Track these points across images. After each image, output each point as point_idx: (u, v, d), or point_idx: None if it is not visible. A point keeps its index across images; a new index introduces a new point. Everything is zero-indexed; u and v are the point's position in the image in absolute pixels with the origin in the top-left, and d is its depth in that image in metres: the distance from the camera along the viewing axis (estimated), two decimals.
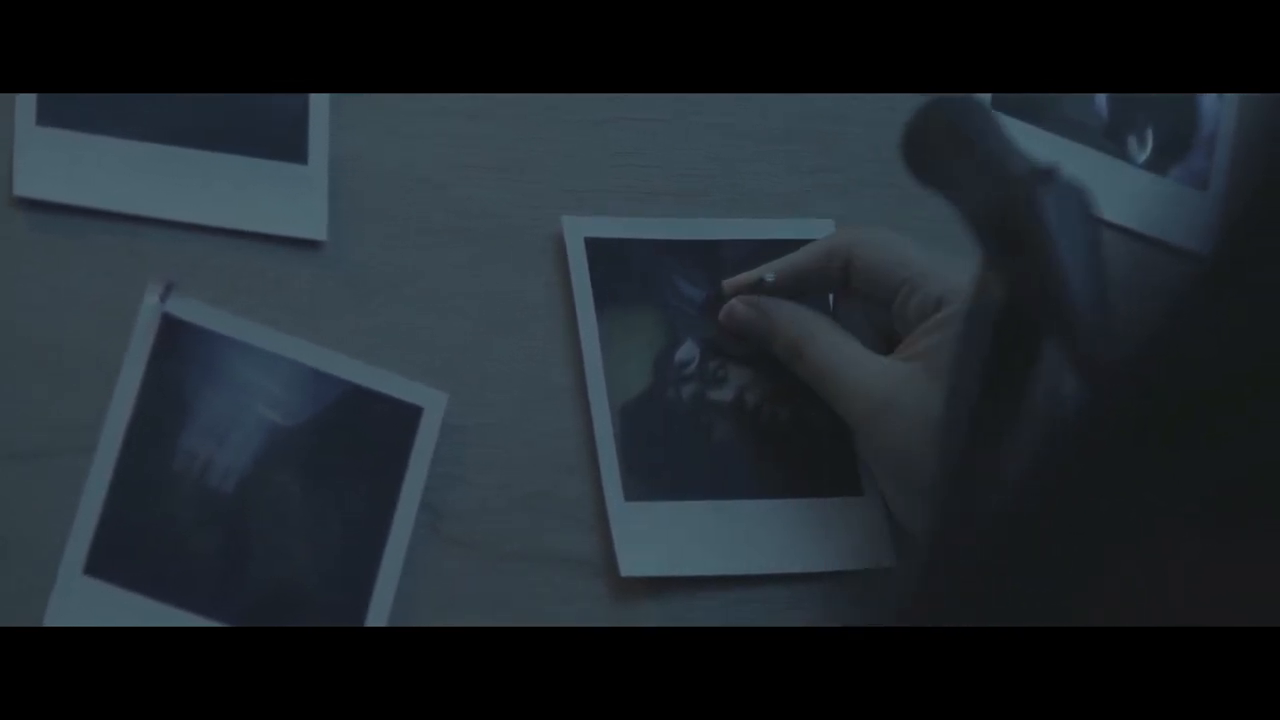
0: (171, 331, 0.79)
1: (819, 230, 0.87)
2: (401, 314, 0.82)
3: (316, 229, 0.82)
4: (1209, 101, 0.96)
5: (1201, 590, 0.33)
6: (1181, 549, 0.33)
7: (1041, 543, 0.36)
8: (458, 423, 0.81)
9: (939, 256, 0.82)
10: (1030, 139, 0.93)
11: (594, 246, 0.85)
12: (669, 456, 0.83)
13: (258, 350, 0.80)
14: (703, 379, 0.85)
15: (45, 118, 0.81)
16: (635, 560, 0.81)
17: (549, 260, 0.85)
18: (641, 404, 0.84)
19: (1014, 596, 0.36)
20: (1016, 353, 0.59)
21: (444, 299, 0.83)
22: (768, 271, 0.84)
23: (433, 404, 0.80)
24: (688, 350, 0.85)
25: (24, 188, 0.80)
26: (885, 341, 0.83)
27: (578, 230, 0.85)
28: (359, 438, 0.80)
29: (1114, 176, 0.94)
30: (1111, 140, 0.94)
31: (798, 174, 0.89)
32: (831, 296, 0.86)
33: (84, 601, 0.75)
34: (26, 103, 0.80)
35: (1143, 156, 0.95)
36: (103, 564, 0.76)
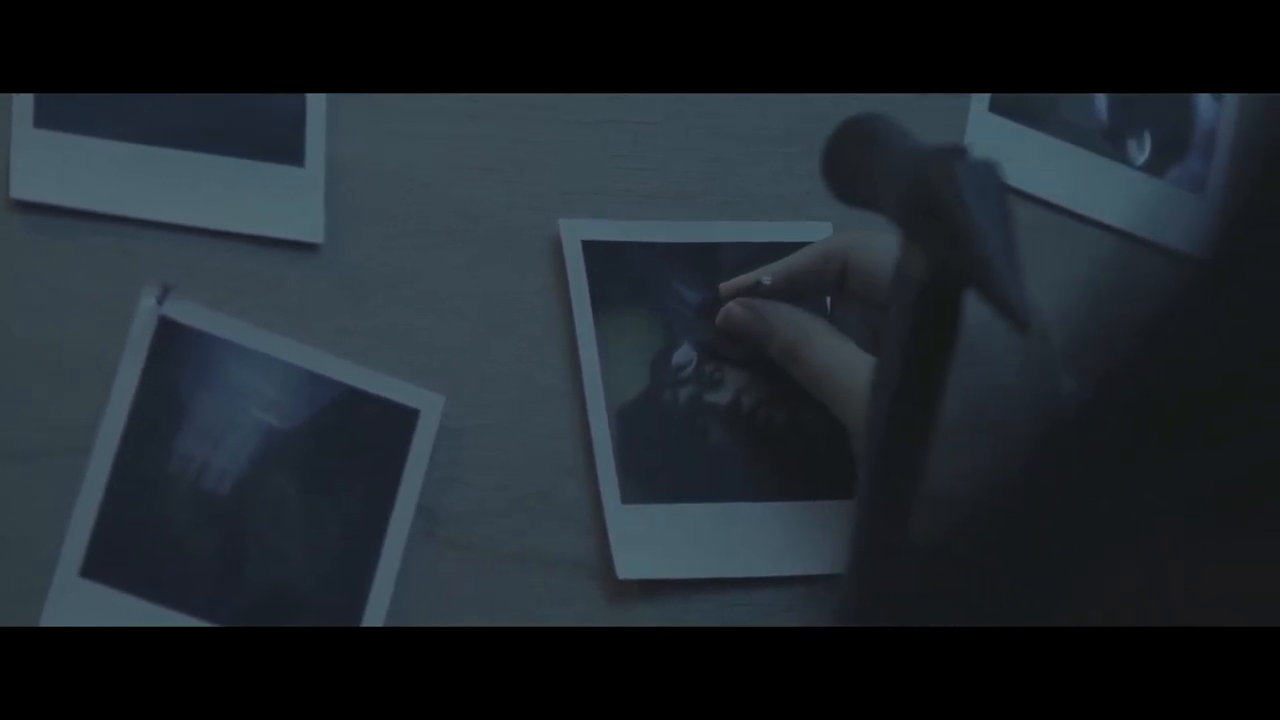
0: (168, 334, 0.79)
1: (816, 233, 0.87)
2: (398, 316, 0.82)
3: (313, 231, 0.82)
4: (1206, 103, 0.96)
5: (1201, 590, 0.33)
6: (1181, 549, 0.33)
7: (1040, 542, 0.36)
8: (454, 425, 0.81)
9: None
10: (1029, 142, 0.93)
11: (591, 249, 0.85)
12: (666, 459, 0.83)
13: (254, 353, 0.79)
14: (700, 382, 0.85)
15: (43, 120, 0.81)
16: (632, 562, 0.81)
17: (546, 262, 0.85)
18: (638, 406, 0.84)
19: (1012, 596, 0.36)
20: (938, 330, 0.63)
21: (441, 301, 0.83)
22: (764, 274, 0.84)
23: (429, 406, 0.80)
24: (685, 353, 0.85)
25: (21, 190, 0.80)
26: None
27: (575, 233, 0.85)
28: (355, 440, 0.79)
29: (1112, 179, 0.94)
30: (1110, 143, 0.95)
31: (795, 176, 0.89)
32: (828, 299, 0.86)
33: (80, 603, 0.75)
34: (24, 105, 0.80)
35: (1141, 159, 0.95)
36: (99, 566, 0.76)
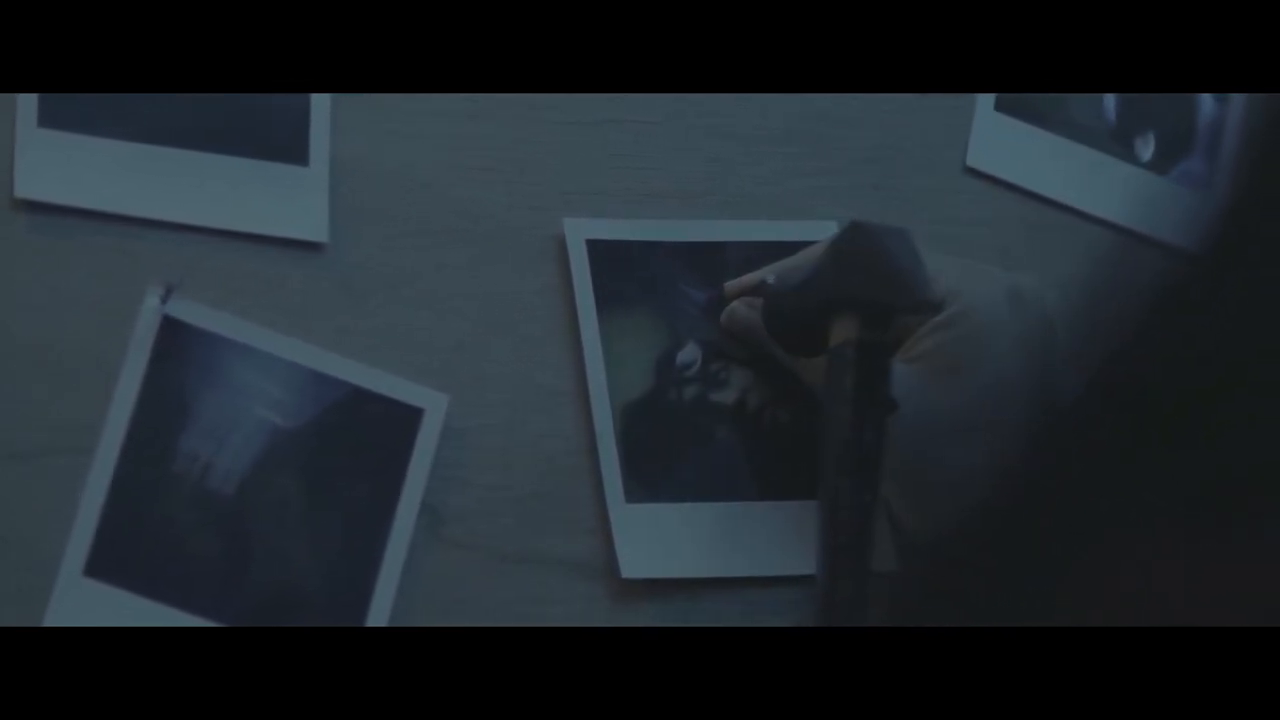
0: (172, 333, 0.79)
1: (821, 232, 0.87)
2: (401, 315, 0.82)
3: (317, 231, 0.82)
4: (1210, 103, 0.96)
5: (1201, 590, 0.33)
6: (1180, 548, 0.33)
7: (1040, 540, 0.36)
8: (458, 424, 0.81)
9: (940, 258, 0.82)
10: (1033, 140, 0.93)
11: (596, 248, 0.85)
12: (670, 458, 0.83)
13: (258, 352, 0.79)
14: (704, 381, 0.85)
15: (46, 120, 0.81)
16: (636, 562, 0.81)
17: (549, 262, 0.85)
18: (642, 406, 0.84)
19: (1012, 595, 0.36)
20: (876, 384, 0.74)
21: (443, 300, 0.83)
22: (769, 273, 0.84)
23: (434, 405, 0.80)
24: (689, 352, 0.85)
25: (25, 189, 0.80)
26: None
27: (579, 232, 0.85)
28: (359, 439, 0.79)
29: (1117, 177, 0.94)
30: (1118, 143, 0.94)
31: (796, 176, 0.89)
32: None
33: (84, 602, 0.75)
34: (28, 105, 0.80)
35: (1146, 158, 0.95)
36: (103, 565, 0.76)
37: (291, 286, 0.81)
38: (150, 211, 0.81)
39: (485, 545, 0.80)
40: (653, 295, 0.85)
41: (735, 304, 0.85)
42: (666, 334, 0.85)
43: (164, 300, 0.79)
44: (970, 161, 0.92)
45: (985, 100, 0.93)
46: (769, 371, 0.85)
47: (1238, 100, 0.96)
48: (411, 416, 0.80)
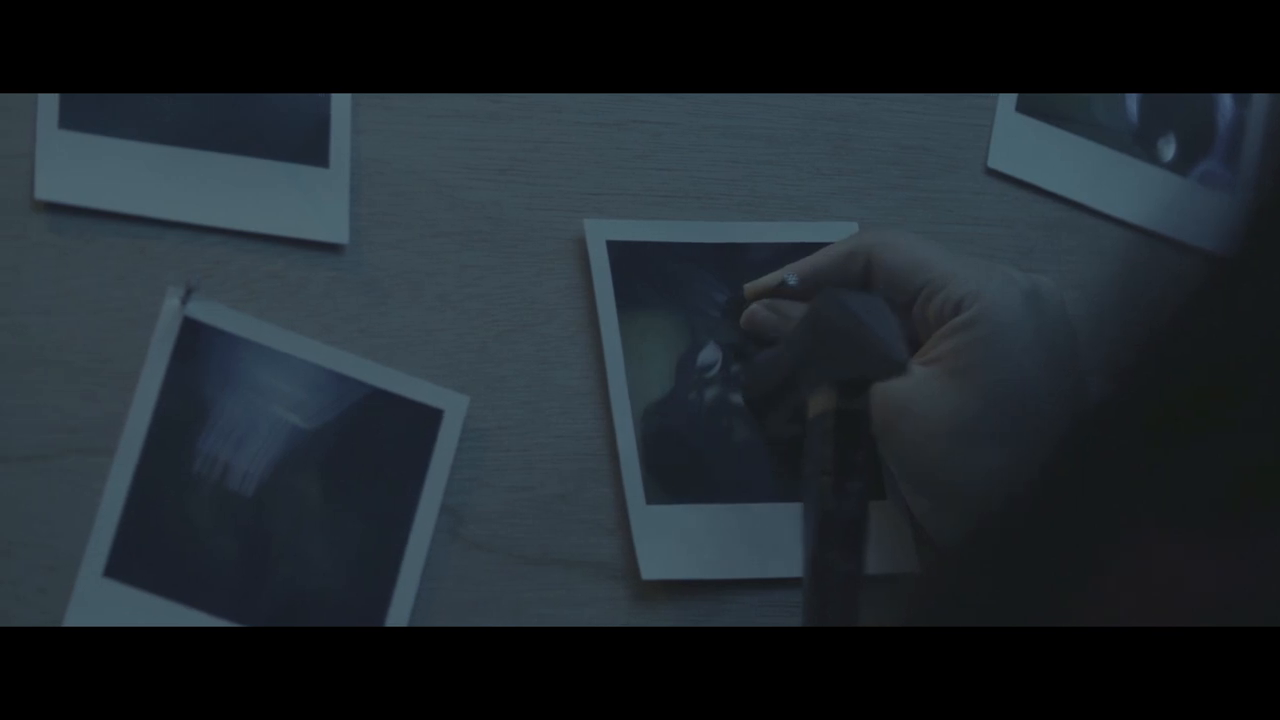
0: (192, 334, 0.79)
1: (841, 233, 0.87)
2: (422, 317, 0.82)
3: (338, 232, 0.82)
4: (1230, 103, 0.95)
5: (1230, 592, 0.33)
6: (1208, 550, 0.33)
7: (1062, 543, 0.36)
8: (478, 426, 0.81)
9: (960, 259, 0.82)
10: (1054, 141, 0.93)
11: (616, 249, 0.85)
12: (691, 460, 0.83)
13: (278, 353, 0.80)
14: (725, 382, 0.85)
15: (67, 121, 0.81)
16: (656, 564, 0.81)
17: (569, 262, 0.85)
18: (663, 407, 0.84)
19: (1034, 597, 0.36)
20: (856, 445, 0.77)
21: (462, 301, 0.83)
22: (789, 274, 0.84)
23: (454, 407, 0.80)
24: (710, 353, 0.85)
25: (46, 191, 0.80)
26: (906, 344, 0.83)
27: (600, 233, 0.85)
28: (379, 441, 0.79)
29: (1138, 178, 0.93)
30: (1140, 144, 0.94)
31: (816, 176, 0.89)
32: None
33: (104, 603, 0.75)
34: (49, 106, 0.81)
35: (1168, 158, 0.94)
36: (123, 566, 0.76)
37: (312, 288, 0.81)
38: (170, 213, 0.81)
39: (505, 546, 0.80)
40: (673, 296, 0.85)
41: (755, 305, 0.85)
42: (687, 335, 0.85)
43: (184, 301, 0.79)
44: (991, 162, 0.92)
45: (1006, 101, 0.92)
46: None
47: (1259, 101, 0.95)
48: (432, 418, 0.80)
